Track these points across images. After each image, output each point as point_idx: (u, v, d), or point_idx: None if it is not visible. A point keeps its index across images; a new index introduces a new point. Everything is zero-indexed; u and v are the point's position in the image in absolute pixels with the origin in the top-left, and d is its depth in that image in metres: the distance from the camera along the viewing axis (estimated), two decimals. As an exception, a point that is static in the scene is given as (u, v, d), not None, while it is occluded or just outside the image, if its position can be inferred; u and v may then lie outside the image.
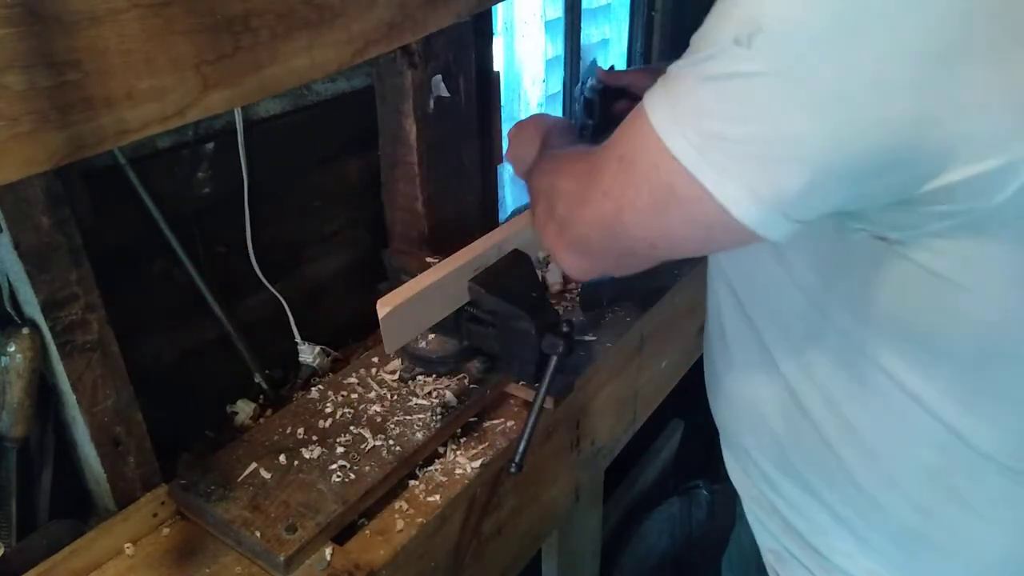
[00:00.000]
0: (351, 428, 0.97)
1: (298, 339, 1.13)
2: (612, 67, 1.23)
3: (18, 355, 0.77)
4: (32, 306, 0.76)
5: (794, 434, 0.72)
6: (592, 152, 0.62)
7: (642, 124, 0.54)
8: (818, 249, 0.62)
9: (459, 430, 1.00)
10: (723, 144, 0.50)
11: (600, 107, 1.21)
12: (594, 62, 1.24)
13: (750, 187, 0.50)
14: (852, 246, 0.59)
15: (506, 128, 1.35)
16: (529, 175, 0.82)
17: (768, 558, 0.83)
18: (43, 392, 0.82)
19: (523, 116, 1.89)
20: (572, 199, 0.64)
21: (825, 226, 0.57)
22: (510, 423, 1.02)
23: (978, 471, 0.63)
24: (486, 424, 1.02)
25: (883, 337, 0.62)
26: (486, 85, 1.28)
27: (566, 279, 1.30)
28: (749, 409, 0.77)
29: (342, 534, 0.87)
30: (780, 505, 0.77)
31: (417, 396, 1.02)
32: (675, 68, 0.53)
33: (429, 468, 0.95)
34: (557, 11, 1.79)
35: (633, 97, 1.16)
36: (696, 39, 0.52)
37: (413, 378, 1.05)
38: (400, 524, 0.88)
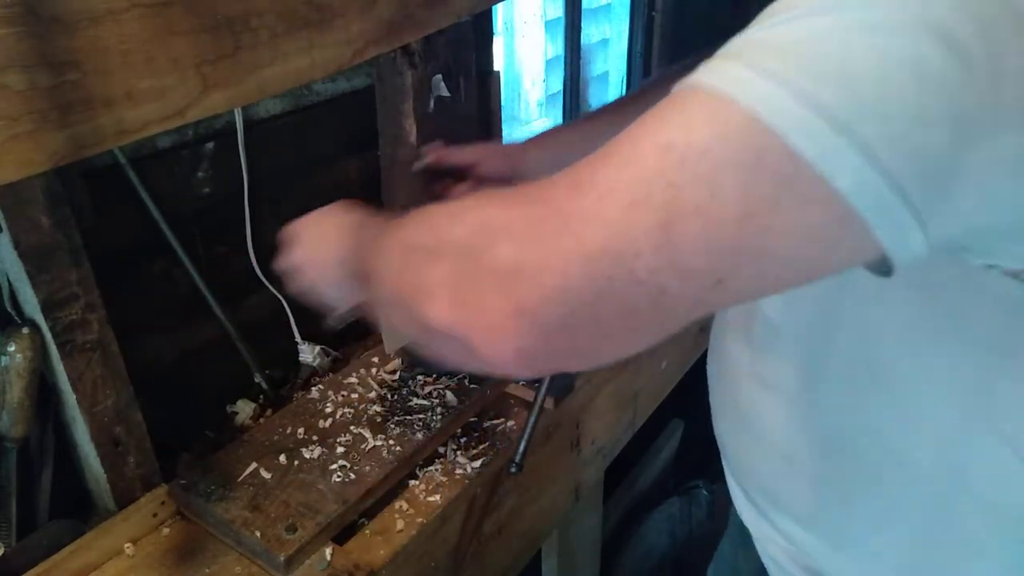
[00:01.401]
0: (351, 428, 0.97)
1: (298, 339, 1.13)
2: (443, 144, 0.97)
3: (18, 355, 0.77)
4: (32, 306, 0.76)
5: (830, 477, 0.64)
6: (557, 174, 0.42)
7: (706, 99, 0.38)
8: (908, 291, 0.50)
9: (459, 430, 1.00)
10: (868, 118, 0.35)
11: (431, 190, 0.95)
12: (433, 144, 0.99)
13: (891, 174, 0.35)
14: (971, 289, 0.47)
15: (507, 128, 1.36)
16: (377, 248, 0.56)
17: None
18: (43, 392, 0.82)
19: (523, 116, 1.89)
20: (537, 230, 0.41)
21: (941, 269, 0.44)
22: (510, 423, 1.02)
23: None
24: (486, 424, 1.02)
25: (1000, 391, 0.52)
26: (486, 85, 1.28)
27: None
28: (777, 445, 0.67)
29: (342, 534, 0.87)
30: (797, 545, 0.71)
31: (417, 396, 1.02)
32: (758, 36, 0.39)
33: (429, 468, 0.95)
34: (557, 11, 1.80)
35: (479, 179, 0.93)
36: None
37: (413, 378, 1.05)
38: (400, 524, 0.88)
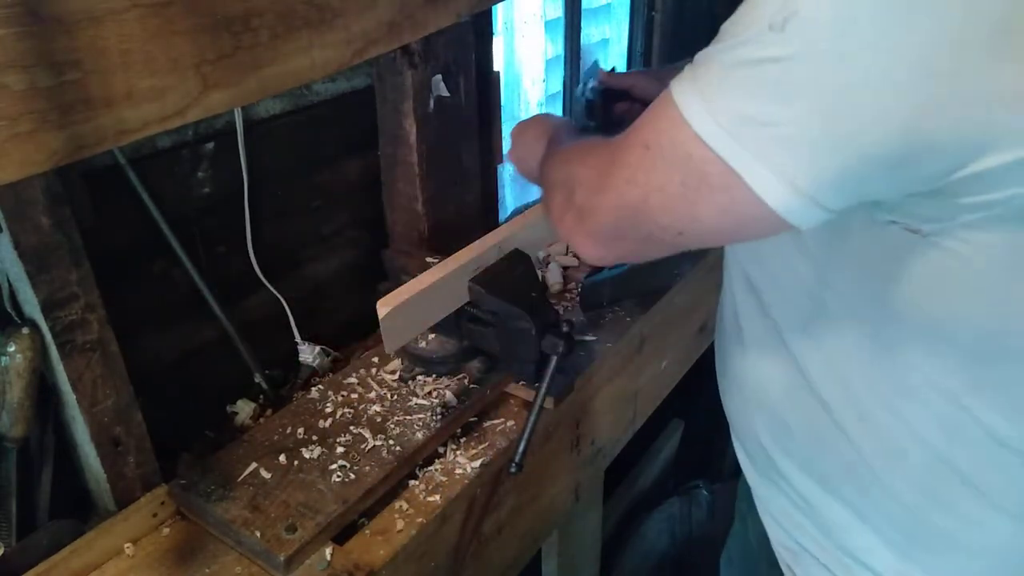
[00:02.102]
0: (351, 428, 0.97)
1: (298, 339, 1.13)
2: (613, 69, 1.23)
3: (18, 355, 0.77)
4: (32, 306, 0.76)
5: (809, 424, 0.72)
6: (611, 141, 0.62)
7: (670, 111, 0.54)
8: (846, 243, 0.62)
9: (459, 430, 1.00)
10: (756, 129, 0.49)
11: (602, 109, 1.20)
12: (596, 63, 1.24)
13: (784, 173, 0.50)
14: (883, 239, 0.58)
15: (507, 128, 1.36)
16: (540, 169, 0.83)
17: (783, 555, 0.83)
18: (43, 392, 0.82)
19: (523, 116, 1.89)
20: (592, 187, 0.64)
21: (855, 218, 0.57)
22: (510, 423, 1.02)
23: (991, 457, 0.63)
24: (486, 424, 1.02)
25: (906, 328, 0.62)
26: (486, 85, 1.28)
27: (566, 279, 1.30)
28: (764, 401, 0.77)
29: (342, 534, 0.87)
30: (796, 500, 0.77)
31: (417, 396, 1.02)
32: (703, 56, 0.53)
33: (429, 468, 0.95)
34: (557, 11, 1.79)
35: (636, 100, 1.17)
36: (727, 27, 0.52)
37: (413, 378, 1.05)
38: (400, 524, 0.88)
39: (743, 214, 0.53)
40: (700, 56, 0.53)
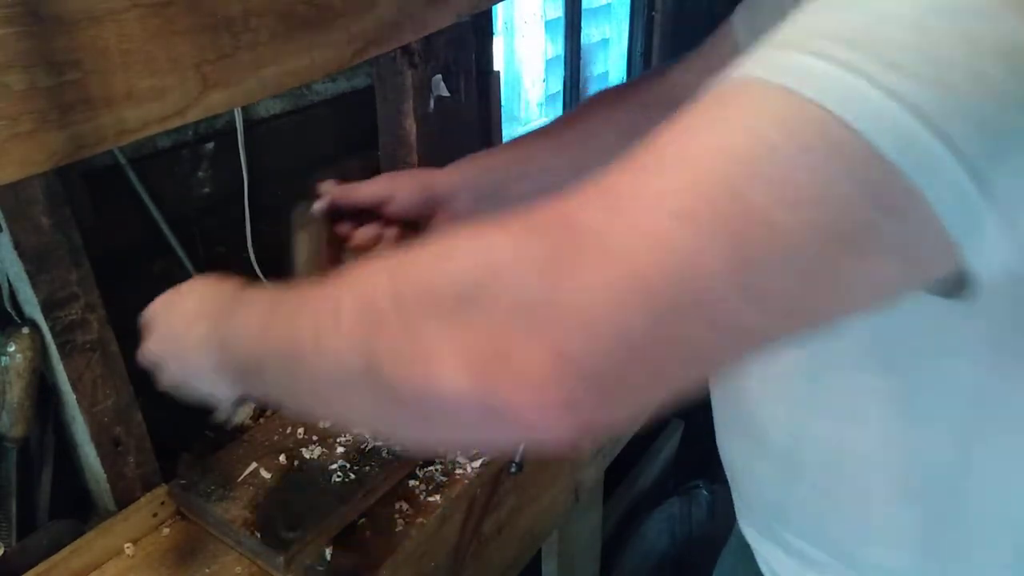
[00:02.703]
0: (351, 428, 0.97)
1: (298, 339, 1.13)
2: (338, 180, 0.75)
3: (18, 355, 0.77)
4: (32, 306, 0.76)
5: (858, 497, 0.60)
6: (575, 190, 0.34)
7: (772, 96, 0.32)
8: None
9: (459, 430, 1.00)
10: (960, 114, 0.30)
11: (318, 240, 0.75)
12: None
13: (987, 180, 0.31)
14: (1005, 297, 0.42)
15: (506, 129, 1.36)
16: (270, 329, 0.45)
17: None
18: (43, 392, 0.82)
19: (523, 116, 1.89)
20: (571, 258, 0.32)
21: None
22: (510, 423, 1.02)
23: None
24: (486, 424, 1.02)
25: None
26: (486, 85, 1.28)
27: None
28: (795, 466, 0.63)
29: (342, 534, 0.87)
30: (816, 569, 0.67)
31: (417, 396, 1.02)
32: (813, 20, 0.34)
33: (429, 468, 0.95)
34: (557, 11, 1.80)
35: (388, 218, 0.74)
36: None
37: (413, 378, 1.05)
38: (400, 524, 0.88)
39: (917, 249, 0.32)
40: (811, 20, 0.34)
